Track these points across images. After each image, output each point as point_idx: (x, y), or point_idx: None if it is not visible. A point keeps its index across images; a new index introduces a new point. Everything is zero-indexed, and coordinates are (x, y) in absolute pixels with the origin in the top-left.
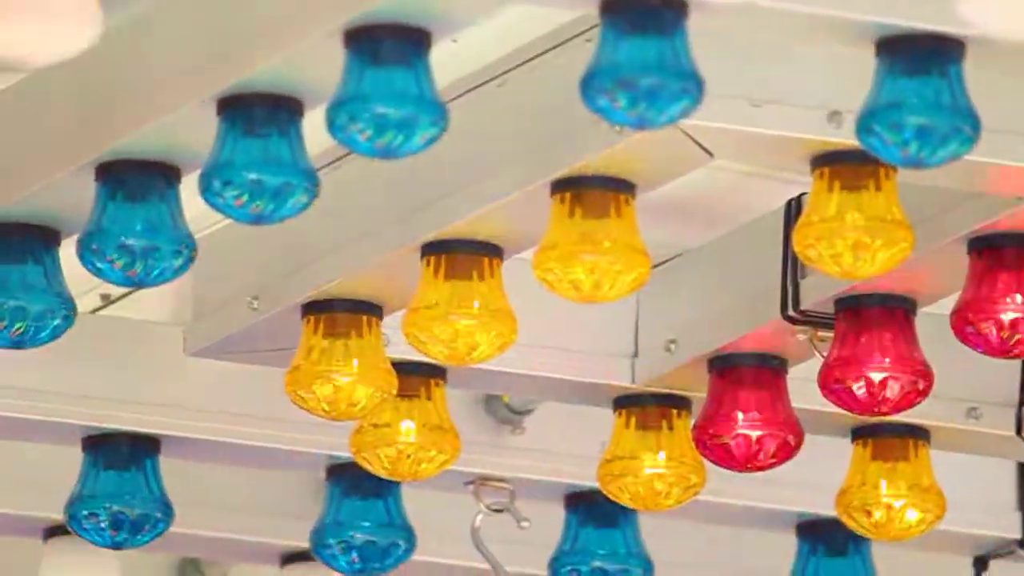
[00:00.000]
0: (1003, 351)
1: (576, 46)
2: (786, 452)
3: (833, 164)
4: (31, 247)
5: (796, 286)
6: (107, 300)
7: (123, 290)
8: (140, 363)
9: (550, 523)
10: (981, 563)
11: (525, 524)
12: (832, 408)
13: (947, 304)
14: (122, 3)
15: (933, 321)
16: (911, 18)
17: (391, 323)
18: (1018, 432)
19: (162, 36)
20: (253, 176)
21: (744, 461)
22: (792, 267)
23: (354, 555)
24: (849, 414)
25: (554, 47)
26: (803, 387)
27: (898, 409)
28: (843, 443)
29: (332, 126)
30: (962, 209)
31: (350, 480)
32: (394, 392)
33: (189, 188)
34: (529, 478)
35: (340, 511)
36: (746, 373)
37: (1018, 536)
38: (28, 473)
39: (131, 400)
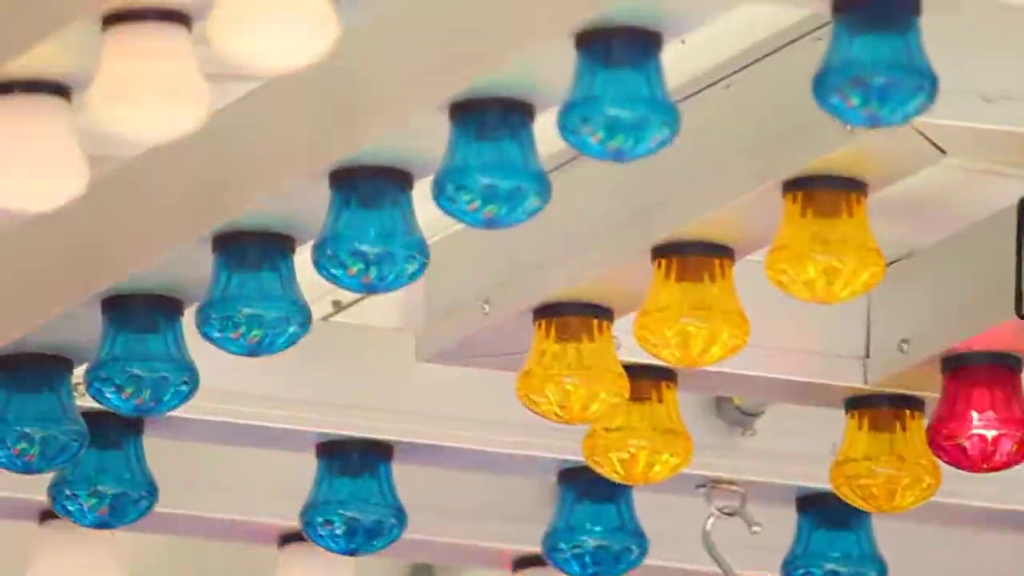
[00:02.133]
0: None
1: (805, 45)
2: (1022, 452)
3: None
4: (267, 254)
5: None
6: (338, 306)
7: (354, 296)
8: (372, 369)
9: (782, 526)
10: None
11: (757, 529)
12: None
13: None
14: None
15: None
16: None
17: (622, 326)
18: None
19: (396, 38)
20: (486, 180)
21: (980, 461)
22: None
23: (586, 560)
24: None
25: (783, 46)
26: None
27: None
28: None
29: (564, 129)
30: None
31: (582, 484)
32: (626, 396)
33: (422, 193)
34: (760, 480)
35: (572, 515)
36: (980, 372)
37: None
38: (263, 480)
39: (364, 406)
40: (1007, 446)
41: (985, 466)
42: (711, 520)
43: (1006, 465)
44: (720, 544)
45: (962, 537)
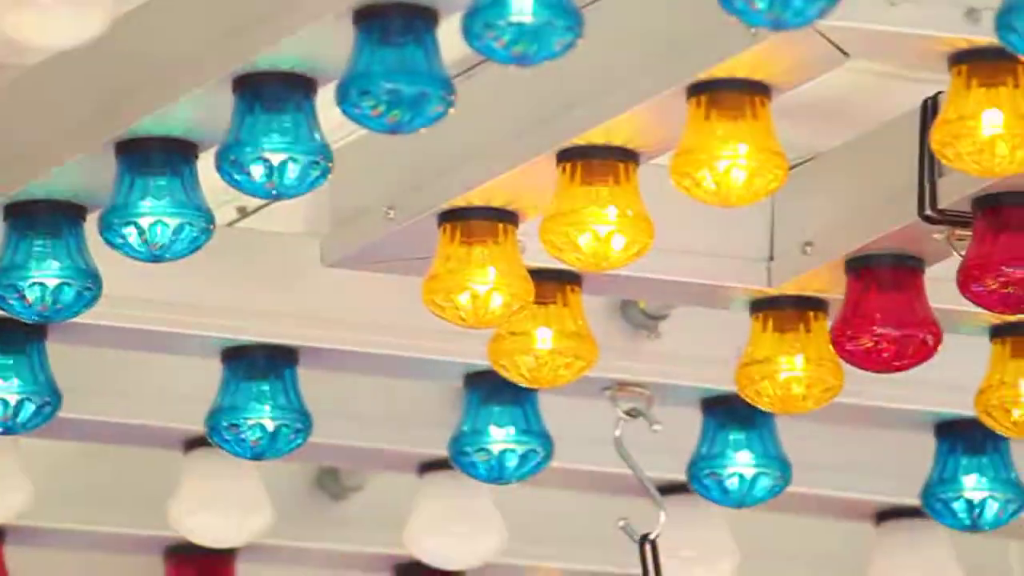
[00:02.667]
0: None
1: None
2: (925, 352)
3: (971, 62)
4: (169, 160)
5: (933, 185)
6: (243, 212)
7: (259, 202)
8: (277, 274)
9: (688, 427)
10: None
11: (657, 427)
12: (970, 307)
13: None
14: None
15: None
16: None
17: (527, 230)
18: None
19: None
20: (390, 86)
21: (882, 362)
22: (929, 167)
23: (492, 463)
24: (988, 313)
25: None
26: (941, 286)
27: None
28: (982, 341)
29: (468, 34)
30: None
31: (488, 388)
32: (531, 299)
33: (326, 99)
34: (666, 383)
35: (478, 419)
36: (883, 274)
37: None
38: (168, 386)
39: (269, 311)
40: (909, 346)
41: (888, 366)
42: (620, 424)
43: (908, 366)
44: (627, 446)
45: (865, 437)
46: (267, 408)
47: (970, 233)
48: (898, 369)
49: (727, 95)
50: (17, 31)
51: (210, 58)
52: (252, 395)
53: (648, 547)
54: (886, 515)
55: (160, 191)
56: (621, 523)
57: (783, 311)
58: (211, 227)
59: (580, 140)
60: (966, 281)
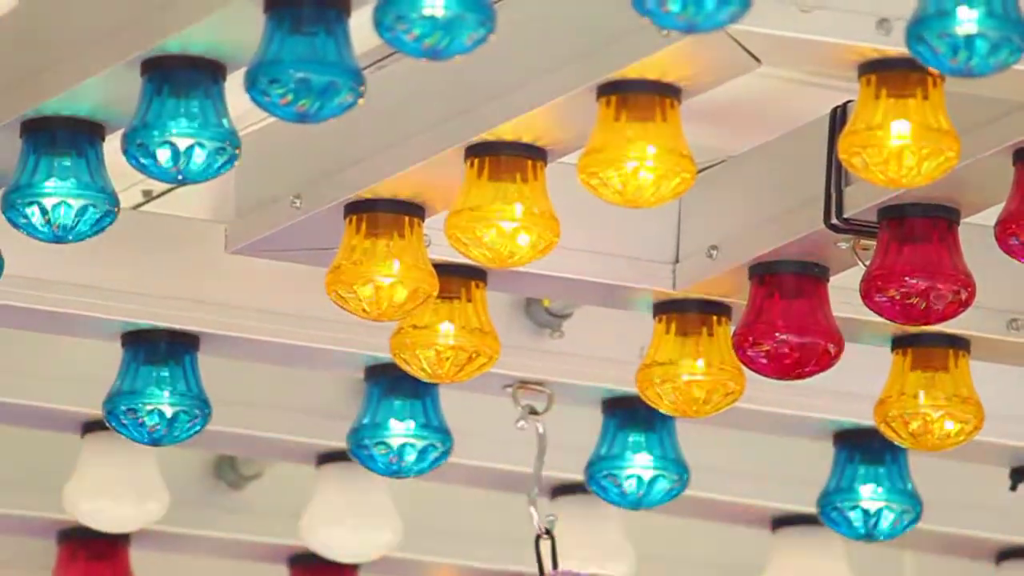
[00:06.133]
0: None
1: None
2: (826, 360)
3: (881, 72)
4: (75, 140)
5: (840, 194)
6: (149, 196)
7: (165, 186)
8: (181, 260)
9: (588, 428)
10: (1018, 474)
11: (521, 424)
12: (873, 317)
13: (991, 215)
14: None
15: (976, 231)
16: None
17: (433, 224)
18: None
19: None
20: (300, 74)
21: (784, 369)
22: (836, 175)
23: (391, 456)
24: (890, 323)
25: None
26: (844, 296)
27: (940, 319)
28: (883, 352)
29: (380, 26)
30: (1009, 119)
31: (388, 381)
32: (435, 293)
33: (235, 86)
34: (568, 382)
35: (378, 411)
36: (788, 281)
37: None
38: (67, 368)
39: (171, 296)
40: (811, 354)
41: (789, 373)
42: (524, 420)
43: (810, 373)
44: (527, 444)
45: (764, 443)
46: (166, 394)
47: (875, 243)
48: (799, 376)
49: (637, 96)
50: None
51: (119, 40)
52: (151, 380)
53: (546, 544)
54: (782, 522)
55: (65, 172)
56: (549, 516)
57: (686, 314)
58: (116, 209)
59: (489, 136)
60: (869, 291)
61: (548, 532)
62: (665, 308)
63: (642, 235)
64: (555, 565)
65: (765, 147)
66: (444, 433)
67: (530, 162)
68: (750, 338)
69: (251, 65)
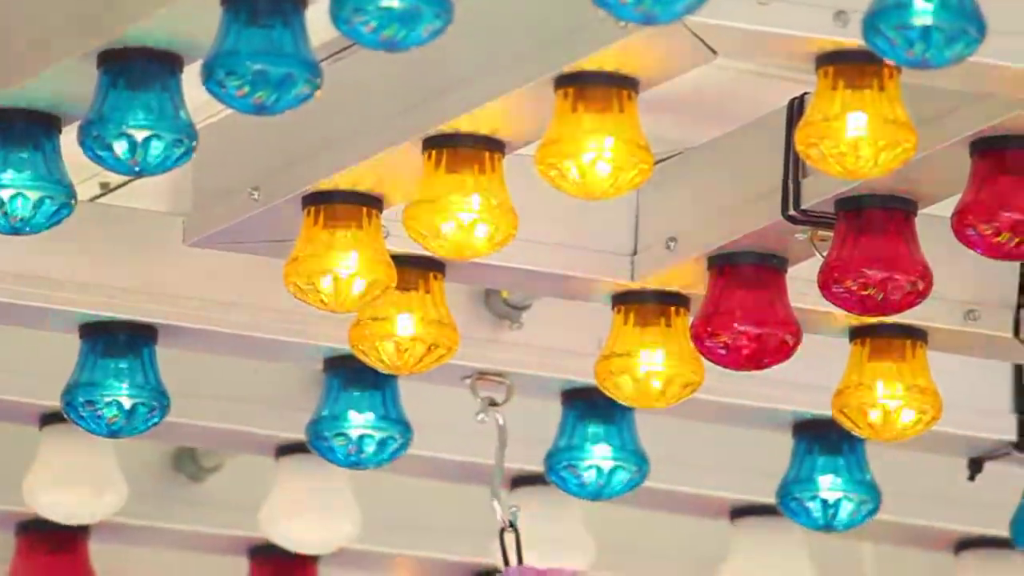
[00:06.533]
0: (1002, 253)
1: None
2: (784, 351)
3: (837, 63)
4: (31, 133)
5: (797, 185)
6: (106, 188)
7: (122, 179)
8: (139, 252)
9: (547, 419)
10: (976, 464)
11: (481, 417)
12: (831, 308)
13: (948, 206)
14: None
15: (933, 223)
16: None
17: (391, 216)
18: (1016, 334)
19: None
20: (256, 66)
21: (742, 360)
22: (794, 166)
23: (350, 448)
24: (847, 314)
25: None
26: (802, 287)
27: (897, 310)
28: (841, 343)
29: (336, 18)
30: (966, 111)
31: (347, 373)
32: (393, 285)
33: (191, 77)
34: (526, 373)
35: (337, 403)
36: (746, 272)
37: (1013, 438)
38: (25, 360)
39: (129, 288)
40: (769, 345)
41: (747, 364)
42: (484, 412)
43: (768, 364)
44: (485, 436)
45: (722, 434)
46: (124, 385)
47: (832, 234)
48: (757, 367)
49: (594, 88)
50: None
51: (76, 32)
52: (110, 372)
53: (510, 537)
54: (741, 512)
55: (22, 164)
56: (512, 508)
57: (645, 305)
58: (72, 202)
59: (446, 127)
60: (826, 282)
61: (512, 525)
62: (623, 299)
63: (600, 226)
64: (519, 558)
65: (723, 139)
66: (403, 425)
67: (488, 154)
68: (708, 329)
69: (208, 57)
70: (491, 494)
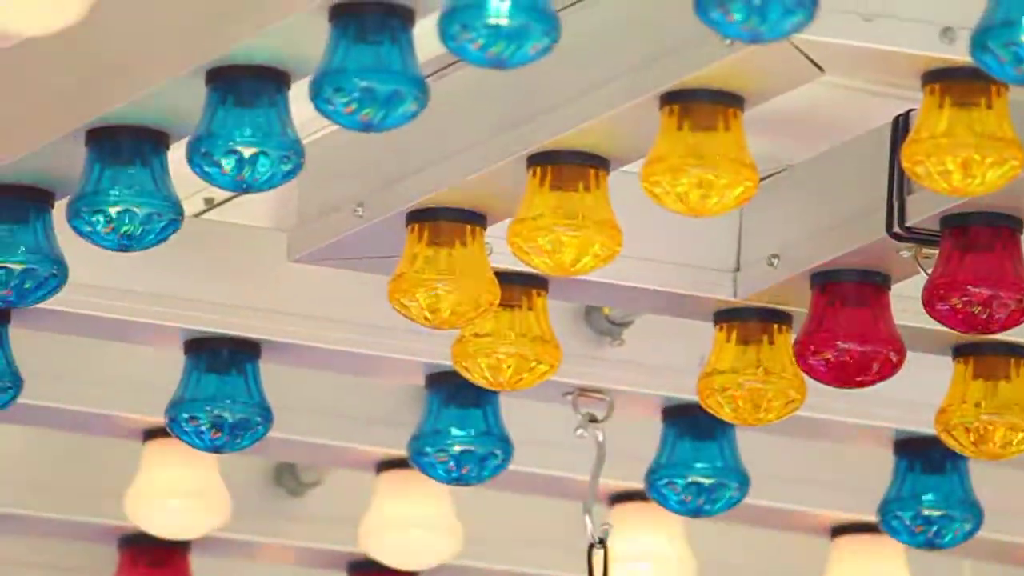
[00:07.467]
0: None
1: None
2: (887, 369)
3: (944, 81)
4: (140, 149)
5: (902, 202)
6: (210, 204)
7: (226, 194)
8: (243, 268)
9: (648, 436)
10: None
11: (580, 432)
12: (934, 325)
13: None
14: None
15: None
16: None
17: (495, 233)
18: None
19: None
20: (364, 83)
21: (845, 377)
22: (898, 183)
23: (451, 464)
24: (952, 332)
25: None
26: (906, 304)
27: (1002, 328)
28: (944, 361)
29: (444, 35)
30: None
31: (449, 389)
32: (496, 302)
33: (299, 94)
34: (627, 390)
35: (438, 419)
36: (849, 289)
37: None
38: (129, 376)
39: (233, 304)
40: (872, 363)
41: (850, 382)
42: (584, 428)
43: (871, 382)
44: (586, 452)
45: (824, 450)
46: (228, 401)
47: (937, 252)
48: (860, 385)
49: (700, 105)
50: None
51: (184, 49)
52: (213, 387)
53: (598, 553)
54: (842, 530)
55: (130, 180)
56: (604, 525)
57: (747, 322)
58: (180, 218)
59: (551, 144)
60: (931, 300)
61: (602, 541)
62: (726, 316)
63: (703, 243)
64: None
65: (826, 155)
66: (504, 441)
67: (592, 171)
68: (811, 347)
69: (316, 74)
70: (584, 509)
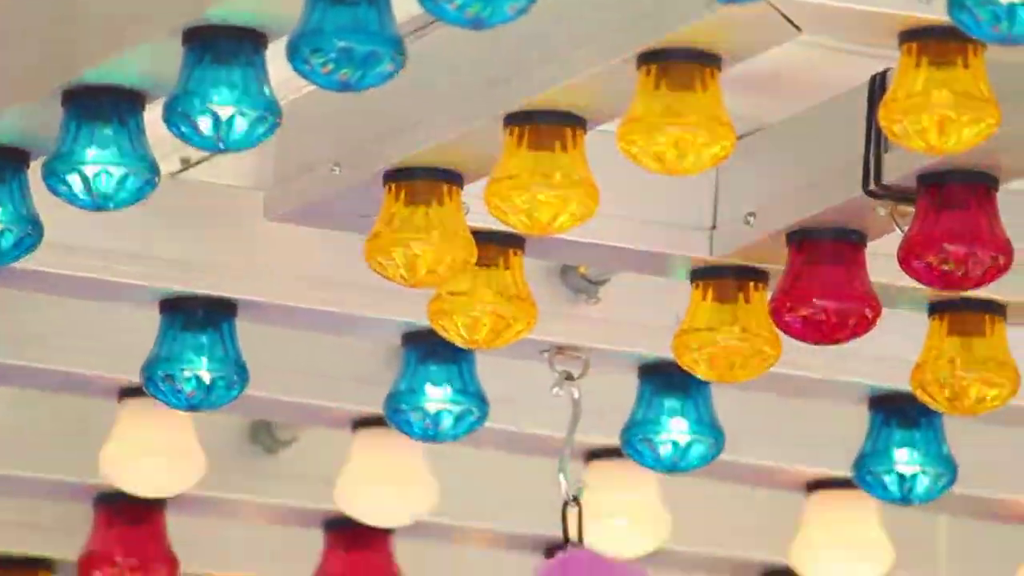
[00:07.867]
0: None
1: None
2: (863, 326)
3: (921, 40)
4: (116, 109)
5: (879, 160)
6: (186, 163)
7: (203, 154)
8: (219, 227)
9: (624, 393)
10: None
11: (556, 390)
12: (910, 283)
13: None
14: None
15: (1012, 198)
16: None
17: (472, 192)
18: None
19: None
20: (342, 43)
21: (820, 334)
22: (875, 141)
23: (427, 421)
24: (927, 289)
25: None
26: (882, 262)
27: (977, 285)
28: (920, 317)
29: None
30: None
31: (425, 347)
32: (473, 261)
33: (276, 54)
34: (603, 347)
35: (414, 377)
36: (825, 247)
37: None
38: (104, 335)
39: (209, 264)
40: (848, 319)
41: (825, 339)
42: (560, 386)
43: (846, 338)
44: (563, 410)
45: (799, 407)
46: (204, 360)
47: (913, 209)
48: (836, 341)
49: (678, 65)
50: None
51: (161, 9)
52: (189, 346)
53: (573, 510)
54: (816, 485)
55: (106, 140)
56: (579, 483)
57: (723, 280)
58: (156, 178)
59: (528, 104)
60: (907, 257)
61: (576, 499)
62: (702, 274)
63: (679, 202)
64: (580, 533)
65: (802, 115)
66: (480, 399)
67: (569, 130)
68: (787, 304)
69: (293, 34)
70: (558, 467)
